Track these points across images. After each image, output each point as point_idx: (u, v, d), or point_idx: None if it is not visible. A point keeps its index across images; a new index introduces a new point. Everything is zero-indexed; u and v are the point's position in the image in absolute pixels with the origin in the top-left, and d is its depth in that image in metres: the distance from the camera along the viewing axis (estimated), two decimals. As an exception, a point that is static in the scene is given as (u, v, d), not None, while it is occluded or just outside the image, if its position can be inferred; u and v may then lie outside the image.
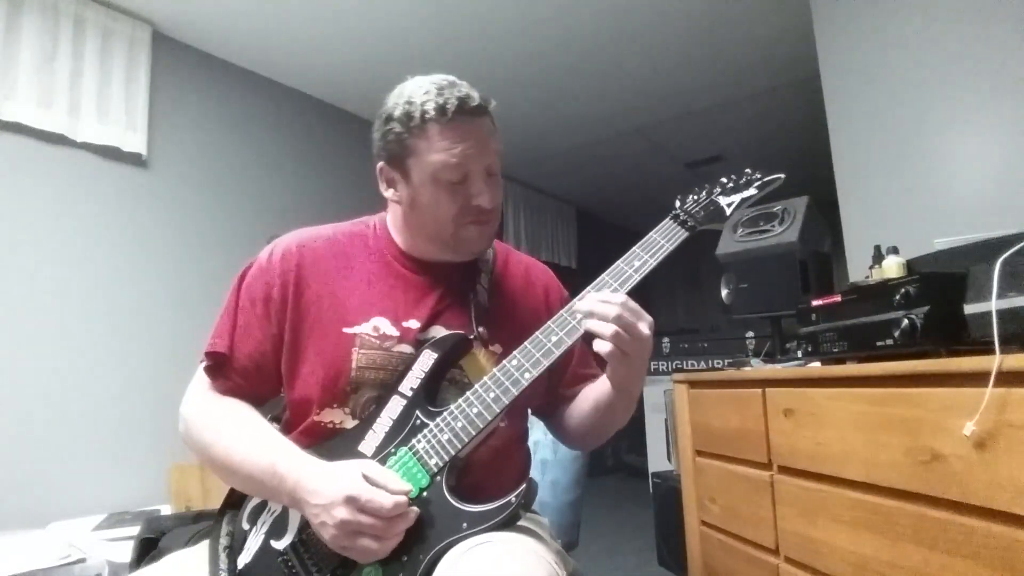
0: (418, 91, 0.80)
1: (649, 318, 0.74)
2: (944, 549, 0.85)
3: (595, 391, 0.89)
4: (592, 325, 0.73)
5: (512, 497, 0.71)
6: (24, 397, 2.05)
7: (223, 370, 0.83)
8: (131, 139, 2.40)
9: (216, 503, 0.87)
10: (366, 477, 0.69)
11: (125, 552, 1.35)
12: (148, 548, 0.99)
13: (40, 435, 2.07)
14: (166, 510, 2.12)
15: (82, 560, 1.58)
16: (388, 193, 0.87)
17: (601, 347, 0.72)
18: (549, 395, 0.95)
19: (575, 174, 4.62)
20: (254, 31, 2.65)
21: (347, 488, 0.67)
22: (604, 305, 0.72)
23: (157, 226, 2.50)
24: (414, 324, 0.83)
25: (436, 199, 0.81)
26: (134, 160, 2.44)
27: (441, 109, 0.77)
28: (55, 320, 2.16)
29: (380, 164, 0.86)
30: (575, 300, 0.78)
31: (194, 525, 1.00)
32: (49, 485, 2.07)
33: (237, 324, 0.83)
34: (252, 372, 0.83)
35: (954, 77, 1.74)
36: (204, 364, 0.84)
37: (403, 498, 0.68)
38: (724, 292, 1.70)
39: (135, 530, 1.09)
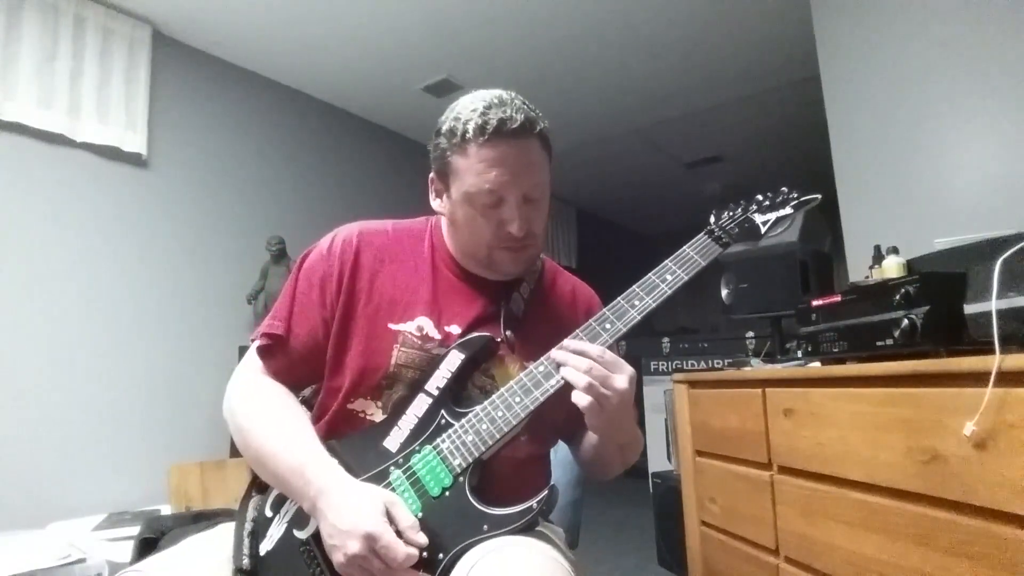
0: (467, 108, 0.79)
1: (630, 370, 0.73)
2: (944, 549, 0.85)
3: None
4: (568, 375, 0.72)
5: (534, 503, 0.71)
6: (24, 397, 2.06)
7: (276, 352, 0.84)
8: (131, 139, 2.40)
9: (216, 503, 0.87)
10: (389, 516, 0.68)
11: (125, 552, 1.35)
12: (148, 548, 0.99)
13: (40, 435, 2.07)
14: (166, 510, 2.12)
15: (82, 560, 1.58)
16: (435, 204, 0.87)
17: (578, 399, 0.71)
18: (572, 421, 0.92)
19: (575, 174, 4.61)
20: (254, 31, 2.65)
21: (368, 525, 0.66)
22: (577, 357, 0.72)
23: (157, 226, 2.50)
24: (455, 329, 0.83)
25: (470, 220, 0.81)
26: (134, 160, 2.44)
27: (480, 129, 0.76)
28: (54, 320, 2.16)
29: (431, 175, 0.86)
30: (606, 309, 0.78)
31: (194, 525, 1.00)
32: (49, 485, 2.07)
33: (295, 307, 0.85)
34: (303, 355, 0.84)
35: (954, 77, 1.74)
36: (258, 344, 0.85)
37: (415, 551, 0.67)
38: (724, 292, 1.70)
39: (135, 530, 1.09)
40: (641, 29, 2.76)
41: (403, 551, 0.66)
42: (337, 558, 0.68)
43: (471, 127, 0.77)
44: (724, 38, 2.84)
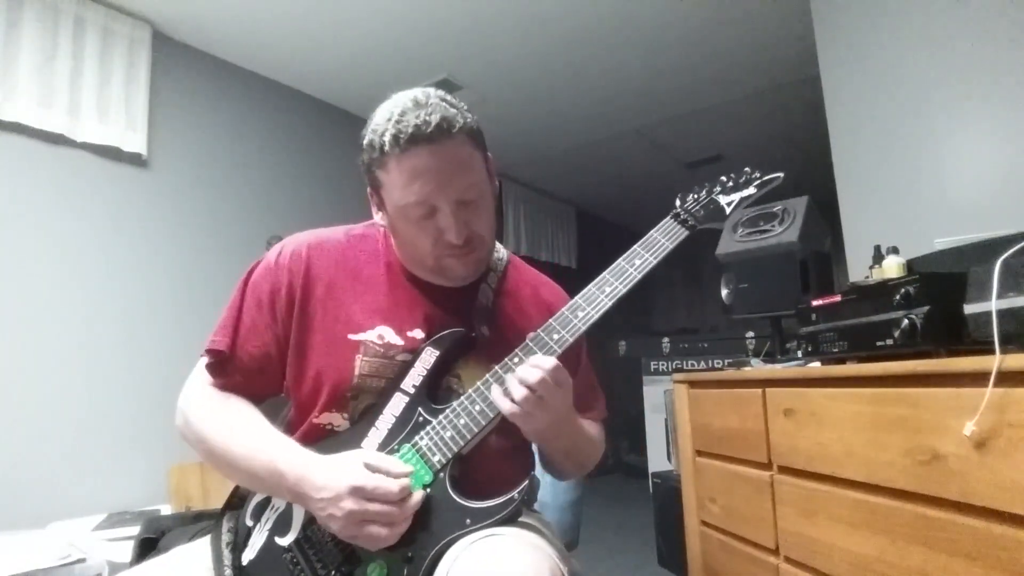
0: (383, 117, 0.76)
1: (559, 392, 0.74)
2: (944, 549, 0.85)
3: None
4: (495, 396, 0.74)
5: (515, 493, 0.71)
6: (24, 397, 2.05)
7: (224, 368, 0.82)
8: (131, 139, 2.40)
9: (216, 503, 0.87)
10: (367, 465, 0.70)
11: (125, 552, 1.35)
12: (148, 548, 0.99)
13: (40, 435, 2.07)
14: (166, 510, 2.12)
15: (82, 560, 1.58)
16: (377, 217, 0.85)
17: (505, 410, 0.73)
18: None
19: (575, 174, 4.62)
20: (254, 31, 2.65)
21: (352, 479, 0.68)
22: (515, 382, 0.73)
23: (157, 226, 2.50)
24: (419, 334, 0.82)
25: (409, 232, 0.79)
26: (134, 160, 2.44)
27: (395, 139, 0.73)
28: (55, 320, 2.16)
29: (368, 189, 0.83)
30: (577, 297, 0.79)
31: (194, 525, 1.00)
32: (49, 485, 2.06)
33: (241, 323, 0.83)
34: (254, 372, 0.83)
35: (954, 77, 1.74)
36: (205, 361, 0.83)
37: (407, 480, 0.70)
38: (724, 292, 1.70)
39: (135, 530, 1.09)
40: (641, 29, 2.76)
41: (395, 483, 0.69)
42: (336, 526, 0.68)
43: (387, 138, 0.73)
44: (724, 38, 2.84)
